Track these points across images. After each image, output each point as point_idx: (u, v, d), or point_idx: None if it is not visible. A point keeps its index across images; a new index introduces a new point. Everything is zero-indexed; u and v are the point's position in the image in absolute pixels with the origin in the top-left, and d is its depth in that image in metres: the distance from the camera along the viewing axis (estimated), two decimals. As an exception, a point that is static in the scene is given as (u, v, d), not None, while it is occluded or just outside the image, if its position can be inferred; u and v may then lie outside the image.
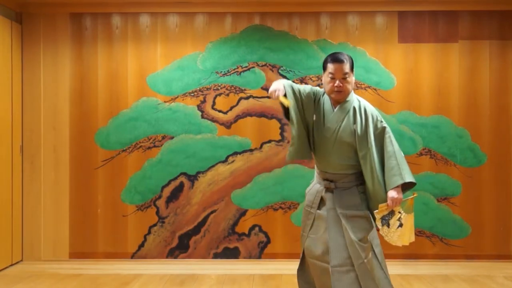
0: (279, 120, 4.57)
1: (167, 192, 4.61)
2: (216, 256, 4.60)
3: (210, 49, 4.62)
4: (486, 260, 4.52)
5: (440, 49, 4.58)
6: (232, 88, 4.61)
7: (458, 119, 4.57)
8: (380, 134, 2.66)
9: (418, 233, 4.53)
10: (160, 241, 4.60)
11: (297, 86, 2.69)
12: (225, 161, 4.60)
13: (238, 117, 4.61)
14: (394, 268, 4.37)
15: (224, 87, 4.62)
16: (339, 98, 2.69)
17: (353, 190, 2.70)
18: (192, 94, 4.61)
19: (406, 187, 2.67)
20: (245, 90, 4.61)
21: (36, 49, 4.63)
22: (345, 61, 2.65)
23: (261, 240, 4.60)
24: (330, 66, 2.67)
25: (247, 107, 4.61)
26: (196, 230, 4.60)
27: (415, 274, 4.23)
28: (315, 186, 2.83)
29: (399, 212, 2.62)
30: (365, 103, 2.73)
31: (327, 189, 2.74)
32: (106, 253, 4.61)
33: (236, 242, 4.60)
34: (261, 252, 4.60)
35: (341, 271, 2.61)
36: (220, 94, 4.61)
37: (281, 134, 4.59)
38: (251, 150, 4.60)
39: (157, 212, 4.61)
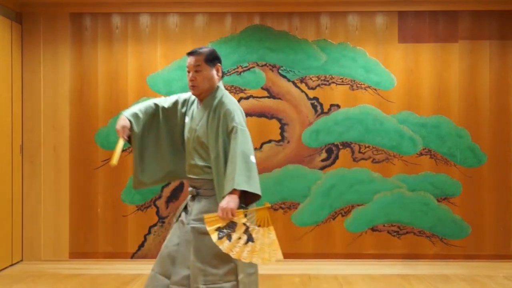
0: (279, 120, 4.57)
1: (167, 192, 4.61)
2: (216, 256, 4.59)
3: (210, 49, 4.61)
4: (486, 260, 4.51)
5: (440, 49, 4.58)
6: (232, 88, 4.61)
7: (458, 119, 4.57)
8: (229, 135, 2.32)
9: (418, 233, 4.54)
10: (160, 241, 4.60)
11: (150, 104, 2.58)
12: (225, 161, 4.59)
13: (238, 117, 4.60)
14: (394, 268, 4.38)
15: (224, 87, 4.60)
16: (195, 93, 2.47)
17: (213, 200, 2.37)
18: (192, 94, 4.60)
19: (253, 197, 2.32)
20: (245, 90, 4.61)
21: (36, 49, 4.63)
22: (199, 52, 2.42)
23: (261, 240, 4.59)
24: (186, 60, 2.47)
25: (247, 107, 4.60)
26: (196, 230, 4.59)
27: (415, 274, 4.23)
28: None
29: (245, 224, 2.22)
30: (226, 99, 2.44)
31: (192, 197, 2.47)
32: (106, 253, 4.61)
33: (236, 242, 4.59)
34: (261, 252, 4.59)
35: None
36: (220, 94, 4.60)
37: (281, 134, 4.59)
38: (251, 150, 4.59)
39: (157, 212, 4.61)
